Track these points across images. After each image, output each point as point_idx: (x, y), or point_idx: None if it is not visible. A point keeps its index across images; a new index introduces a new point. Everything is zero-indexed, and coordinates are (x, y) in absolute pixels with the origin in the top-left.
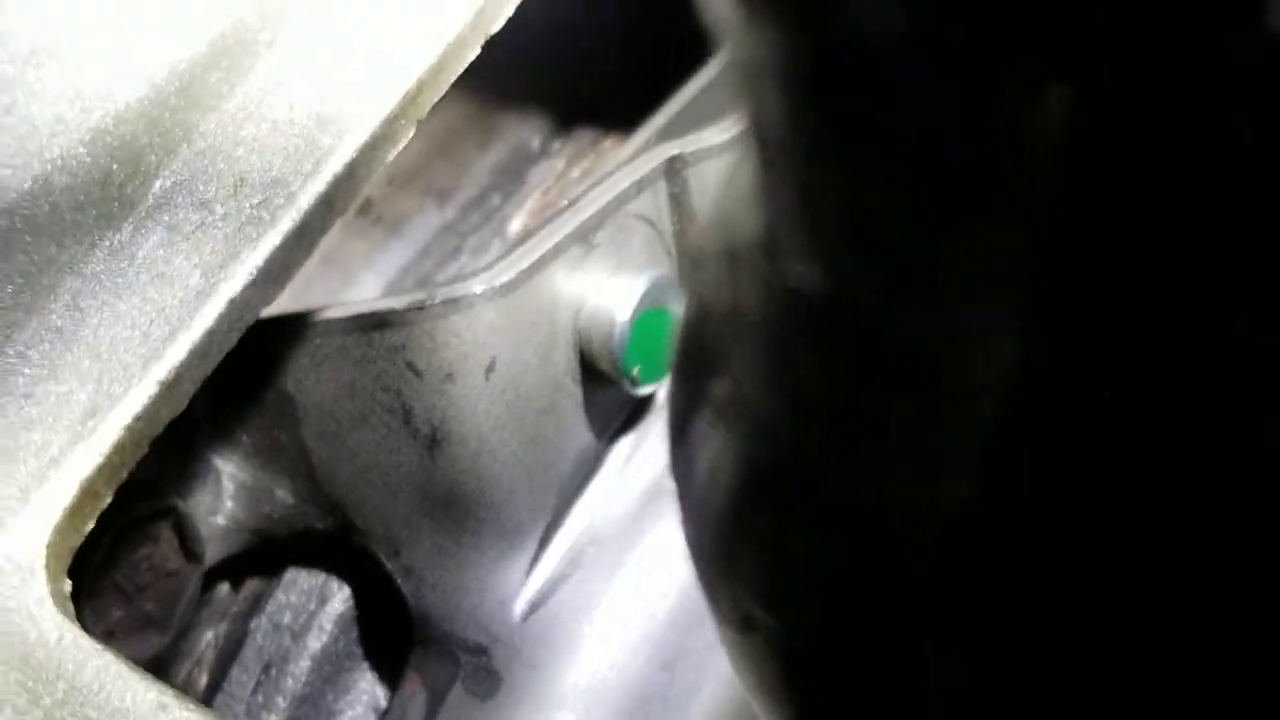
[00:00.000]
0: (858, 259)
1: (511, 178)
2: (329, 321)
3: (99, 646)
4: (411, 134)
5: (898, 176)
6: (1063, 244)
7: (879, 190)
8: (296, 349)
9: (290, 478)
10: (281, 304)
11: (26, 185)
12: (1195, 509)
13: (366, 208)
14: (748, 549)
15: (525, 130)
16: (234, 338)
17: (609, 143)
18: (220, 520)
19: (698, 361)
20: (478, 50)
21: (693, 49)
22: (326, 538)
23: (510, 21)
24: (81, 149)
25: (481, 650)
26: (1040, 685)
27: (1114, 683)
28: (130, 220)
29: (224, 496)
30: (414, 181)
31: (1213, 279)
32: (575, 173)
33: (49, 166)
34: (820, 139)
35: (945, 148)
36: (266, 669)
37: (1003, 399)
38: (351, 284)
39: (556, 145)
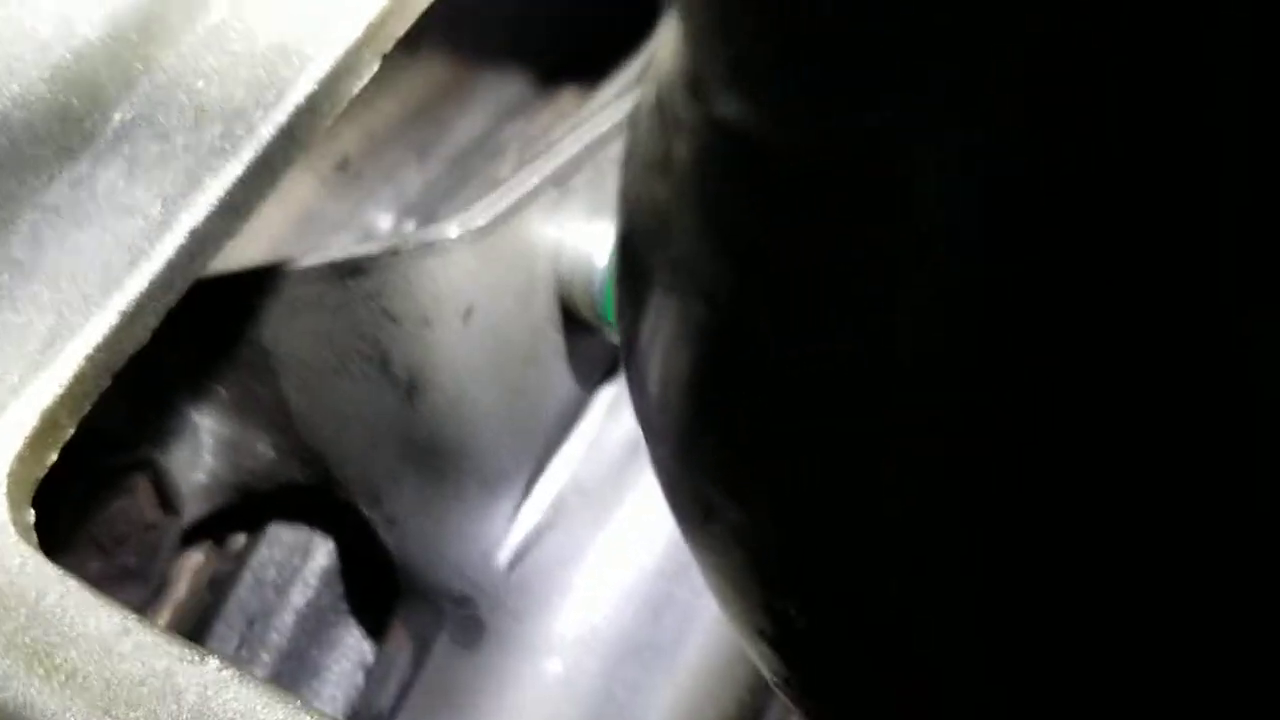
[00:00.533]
0: (778, 74)
1: (493, 135)
2: (303, 271)
3: (61, 572)
4: (376, 67)
5: None
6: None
7: None
8: (272, 300)
9: (270, 431)
10: (260, 257)
11: None
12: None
13: (344, 164)
14: (701, 429)
15: (506, 88)
16: (197, 270)
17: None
18: (200, 476)
19: (639, 236)
20: None
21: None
22: (308, 491)
23: None
24: (40, 85)
25: (466, 600)
26: (1003, 553)
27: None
28: (89, 153)
29: (203, 452)
30: (394, 139)
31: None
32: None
33: (7, 104)
34: None
35: None
36: (250, 624)
37: (955, 217)
38: (331, 242)
39: (538, 103)
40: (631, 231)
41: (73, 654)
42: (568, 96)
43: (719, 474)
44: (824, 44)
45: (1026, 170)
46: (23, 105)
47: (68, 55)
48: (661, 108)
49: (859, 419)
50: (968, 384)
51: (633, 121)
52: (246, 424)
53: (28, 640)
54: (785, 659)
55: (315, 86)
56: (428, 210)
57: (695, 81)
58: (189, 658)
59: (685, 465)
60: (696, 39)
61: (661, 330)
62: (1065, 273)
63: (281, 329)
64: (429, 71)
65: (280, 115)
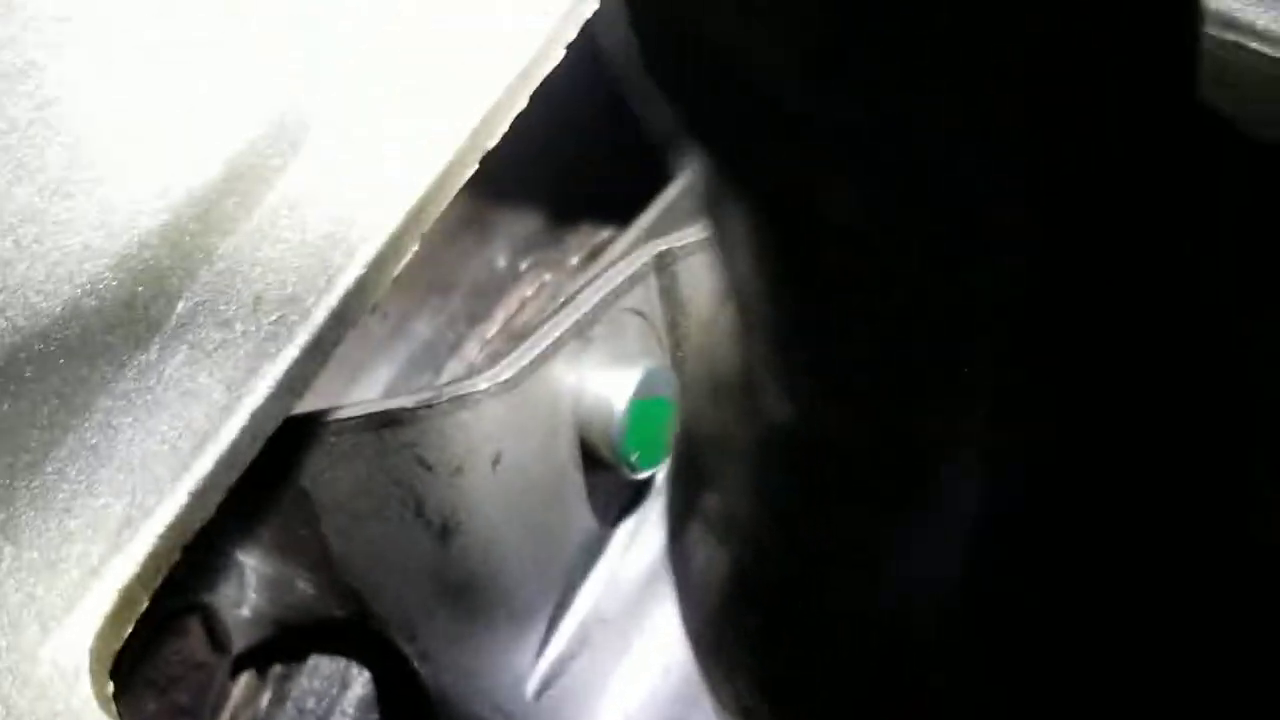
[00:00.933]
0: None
1: (510, 270)
2: (343, 421)
3: None
4: (416, 247)
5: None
6: None
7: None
8: (313, 448)
9: (310, 569)
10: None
11: (58, 310)
12: None
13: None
14: (742, 647)
15: (521, 225)
16: (257, 447)
17: (603, 235)
18: (245, 612)
19: (688, 477)
20: (475, 166)
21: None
22: (346, 625)
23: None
24: (108, 274)
25: None
26: None
27: None
28: (157, 340)
29: (248, 589)
30: (416, 278)
31: None
32: (573, 260)
33: (78, 291)
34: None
35: None
36: None
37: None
38: (361, 378)
39: (553, 240)
40: (682, 478)
41: None
42: (581, 234)
43: (756, 685)
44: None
45: None
46: (93, 294)
47: (134, 245)
48: (716, 392)
49: (893, 660)
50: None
51: (686, 391)
52: (288, 563)
53: None
54: None
55: (363, 270)
56: (450, 343)
57: (750, 383)
58: None
59: (725, 673)
60: (756, 357)
61: (706, 562)
62: None
63: (321, 475)
64: (447, 212)
65: (331, 300)
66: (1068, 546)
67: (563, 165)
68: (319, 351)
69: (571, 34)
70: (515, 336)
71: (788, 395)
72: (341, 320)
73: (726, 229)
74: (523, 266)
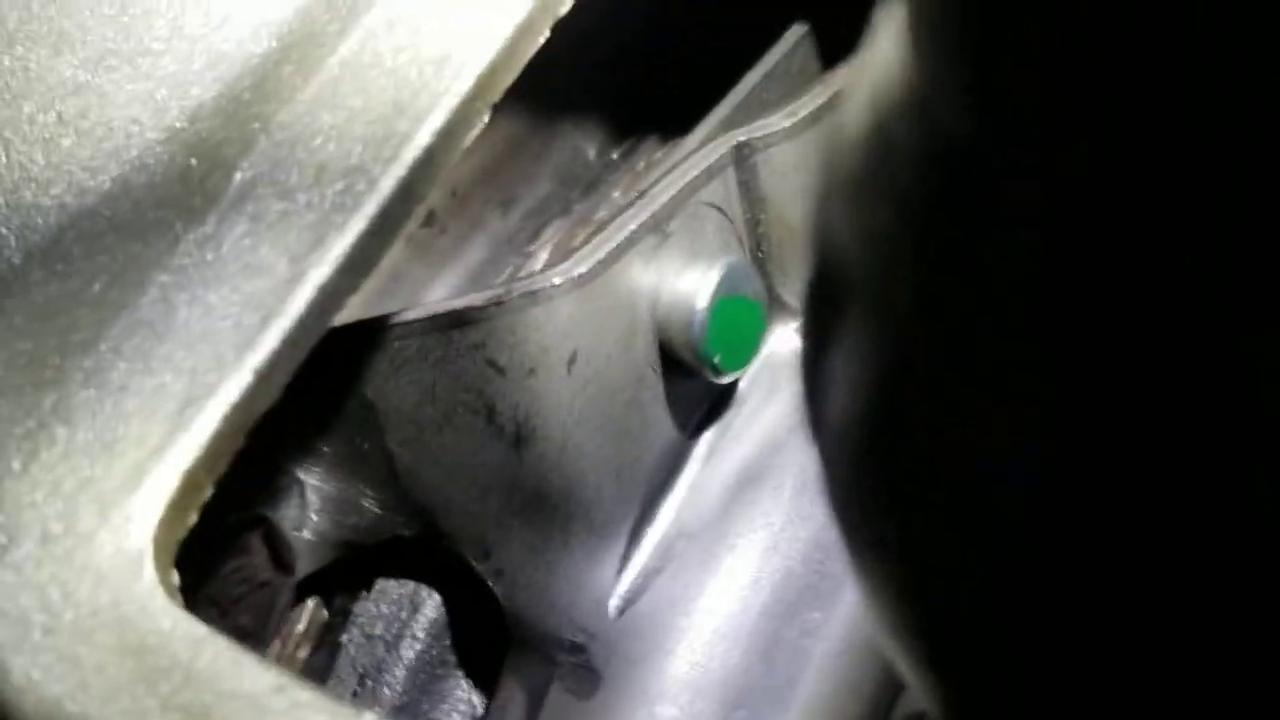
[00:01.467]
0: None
1: (573, 184)
2: (406, 324)
3: (212, 632)
4: (487, 118)
5: None
6: None
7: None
8: (374, 355)
9: (375, 487)
10: (348, 317)
11: (107, 187)
12: None
13: (429, 219)
14: (882, 456)
15: (585, 135)
16: (325, 324)
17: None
18: (307, 534)
19: (844, 265)
20: (547, 33)
21: (750, 51)
22: (415, 545)
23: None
24: (159, 148)
25: (579, 649)
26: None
27: None
28: (214, 213)
29: (309, 510)
30: (478, 193)
31: None
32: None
33: (127, 167)
34: None
35: None
36: (362, 680)
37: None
38: (421, 298)
39: (617, 154)
40: (834, 260)
41: (229, 713)
42: (648, 144)
43: (896, 507)
44: (1089, 63)
45: None
46: (142, 169)
47: (184, 118)
48: (881, 132)
49: (1056, 462)
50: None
51: (834, 149)
52: (352, 480)
53: (183, 701)
54: (943, 683)
55: (432, 139)
56: (513, 260)
57: (926, 104)
58: (344, 714)
59: (860, 494)
60: (937, 61)
61: (857, 359)
62: None
63: (385, 384)
64: (509, 124)
65: (399, 169)
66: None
67: (629, 75)
68: (387, 224)
69: None
70: (591, 234)
71: (986, 111)
72: (410, 192)
73: None
74: (601, 167)
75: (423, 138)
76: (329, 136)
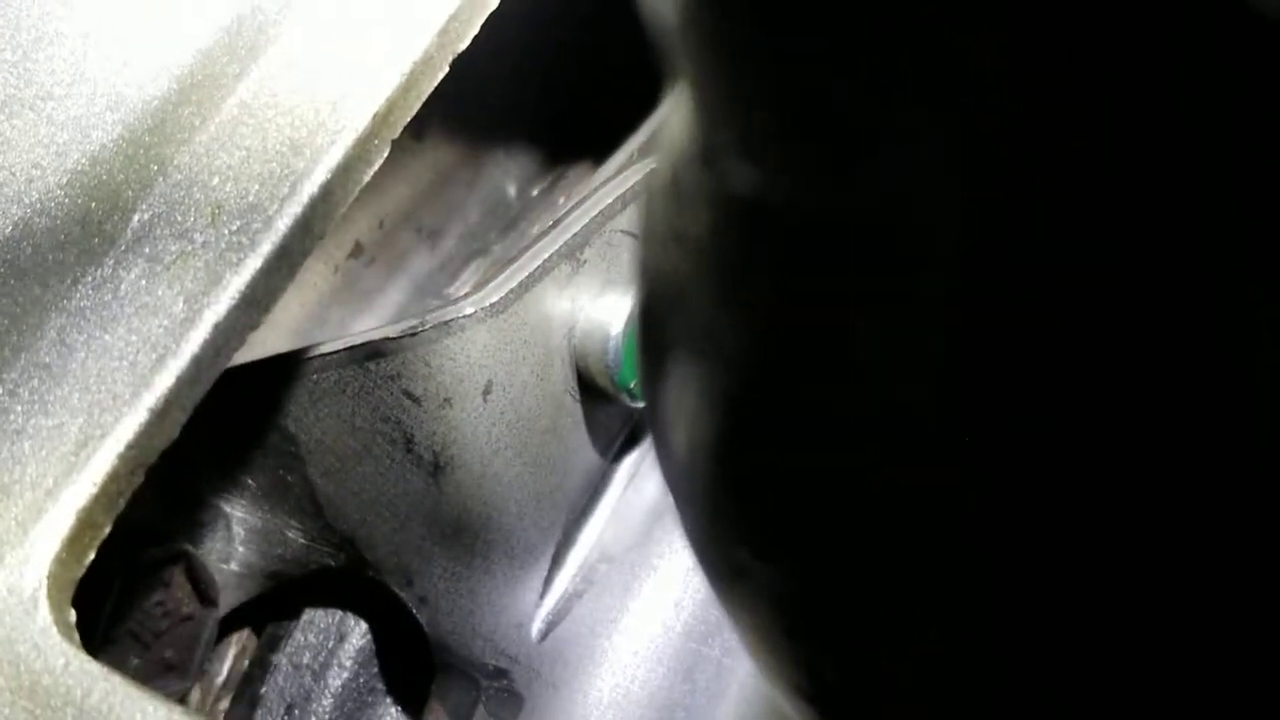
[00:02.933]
0: (795, 144)
1: (502, 214)
2: (324, 356)
3: (106, 670)
4: (385, 154)
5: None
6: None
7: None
8: (294, 387)
9: (299, 517)
10: (280, 347)
11: (7, 231)
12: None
13: (357, 250)
14: (728, 492)
15: (514, 167)
16: (223, 362)
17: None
18: (233, 566)
19: (660, 307)
20: (446, 69)
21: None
22: (340, 574)
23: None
24: (59, 191)
25: (502, 673)
26: (1030, 618)
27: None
28: (111, 255)
29: (235, 542)
30: (405, 223)
31: None
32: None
33: (28, 211)
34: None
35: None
36: (289, 710)
37: (966, 274)
38: (349, 328)
39: (538, 189)
40: (652, 303)
41: None
42: (577, 171)
43: (748, 535)
44: (835, 113)
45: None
46: (43, 212)
47: (84, 160)
48: (676, 182)
49: (886, 475)
50: (990, 429)
51: (648, 196)
52: (276, 511)
53: None
54: (821, 712)
55: (329, 176)
56: (440, 291)
57: (708, 154)
58: None
59: (714, 528)
60: (709, 114)
61: (686, 397)
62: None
63: (305, 416)
64: (436, 154)
65: (295, 207)
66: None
67: (552, 103)
68: (285, 262)
69: None
70: (508, 264)
71: (754, 160)
72: (307, 229)
73: None
74: (525, 201)
75: (319, 175)
76: (226, 176)
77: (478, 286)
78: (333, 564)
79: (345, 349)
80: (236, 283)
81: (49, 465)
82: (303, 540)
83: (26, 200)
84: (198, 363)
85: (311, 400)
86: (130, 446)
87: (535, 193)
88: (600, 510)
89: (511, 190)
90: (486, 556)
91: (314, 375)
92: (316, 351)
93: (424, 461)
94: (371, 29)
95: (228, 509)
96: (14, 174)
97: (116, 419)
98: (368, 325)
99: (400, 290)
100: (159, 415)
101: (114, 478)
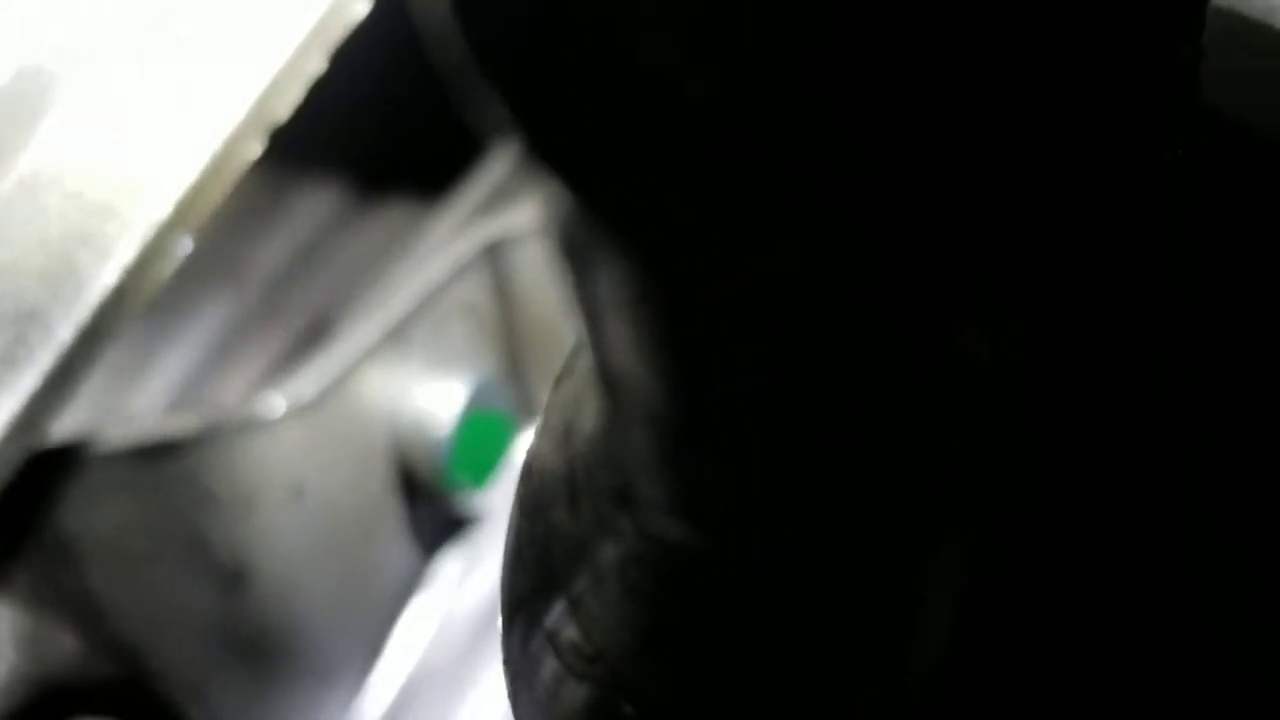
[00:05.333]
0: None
1: (313, 253)
2: (108, 455)
3: None
4: (189, 248)
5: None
6: None
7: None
8: (72, 480)
9: (76, 621)
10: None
11: None
12: None
13: None
14: None
15: (326, 203)
16: None
17: (421, 214)
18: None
19: (533, 577)
20: (259, 145)
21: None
22: (121, 685)
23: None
24: None
25: None
26: None
27: None
28: None
29: (4, 645)
30: (200, 265)
31: None
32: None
33: None
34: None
35: None
36: None
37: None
38: (139, 383)
39: (361, 219)
40: (531, 594)
41: None
42: (390, 212)
43: None
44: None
45: None
46: None
47: None
48: (577, 497)
49: None
50: None
51: (530, 482)
52: (49, 615)
53: None
54: None
55: (121, 275)
56: (240, 348)
57: (626, 495)
58: None
59: None
60: (636, 464)
61: (556, 685)
62: None
63: (84, 514)
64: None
65: (81, 312)
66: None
67: (365, 141)
68: (67, 376)
69: None
70: (318, 333)
71: (681, 509)
72: (94, 337)
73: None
74: (326, 251)
75: (110, 273)
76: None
77: (286, 365)
78: (112, 674)
79: (134, 446)
80: (8, 405)
81: None
82: (79, 646)
83: None
84: None
85: (92, 495)
86: None
87: (349, 235)
88: (425, 618)
89: (324, 228)
90: (289, 673)
91: (97, 469)
92: (102, 443)
93: (222, 569)
94: (179, 89)
95: None
96: None
97: None
98: (157, 378)
99: (200, 340)
100: None
101: None
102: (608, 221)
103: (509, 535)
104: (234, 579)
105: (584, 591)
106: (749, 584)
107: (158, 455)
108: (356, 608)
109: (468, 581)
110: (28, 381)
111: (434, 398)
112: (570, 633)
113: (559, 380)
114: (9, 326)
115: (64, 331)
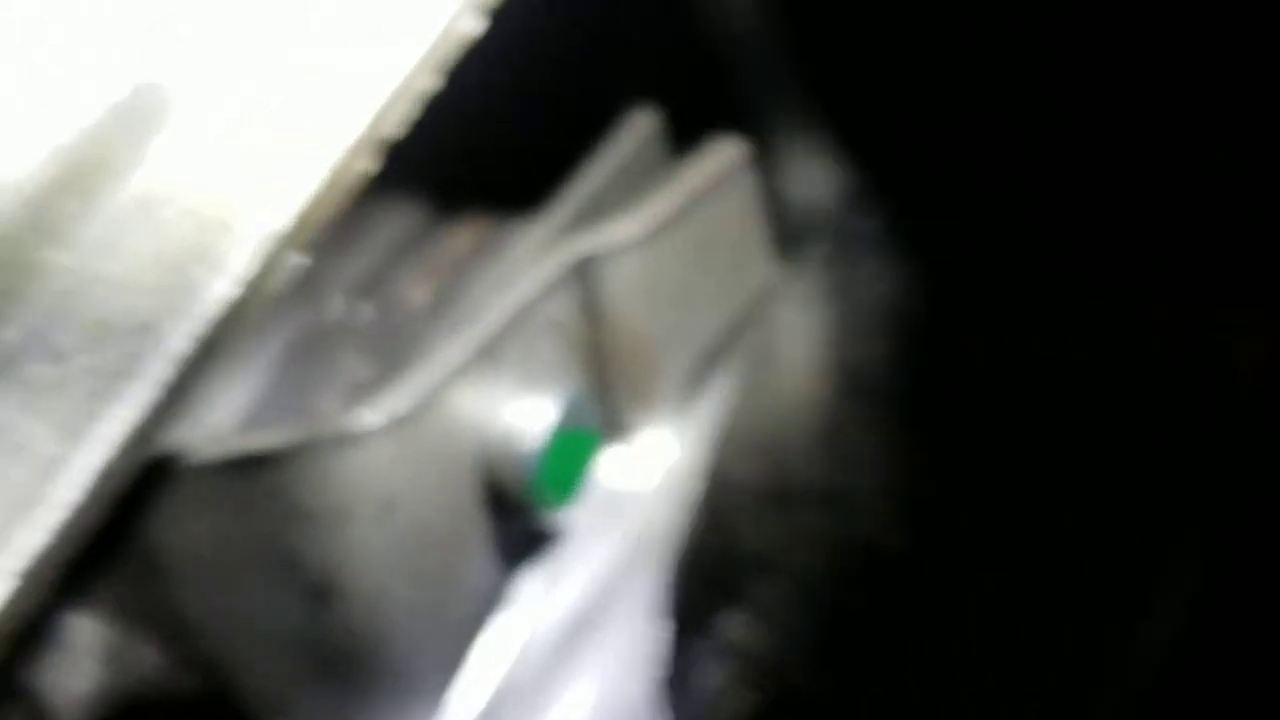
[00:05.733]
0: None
1: (396, 265)
2: (200, 467)
3: None
4: (299, 260)
5: None
6: None
7: None
8: (163, 494)
9: (161, 635)
10: None
11: None
12: None
13: None
14: None
15: (408, 216)
16: (97, 511)
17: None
18: (83, 684)
19: (710, 588)
20: (376, 158)
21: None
22: (204, 700)
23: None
24: None
25: None
26: None
27: None
28: None
29: (88, 658)
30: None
31: None
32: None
33: None
34: None
35: None
36: None
37: None
38: (224, 394)
39: (444, 232)
40: (706, 604)
41: None
42: (471, 228)
43: None
44: None
45: None
46: None
47: None
48: (775, 506)
49: None
50: None
51: (712, 495)
52: (136, 629)
53: None
54: None
55: (235, 288)
56: (326, 350)
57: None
58: None
59: None
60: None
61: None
62: None
63: (173, 527)
64: None
65: (194, 325)
66: None
67: (446, 153)
68: (179, 390)
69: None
70: (407, 345)
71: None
72: (207, 351)
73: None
74: (410, 262)
75: (224, 286)
76: (114, 286)
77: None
78: (196, 689)
79: (223, 458)
80: (120, 416)
81: None
82: (165, 661)
83: None
84: (73, 514)
85: (182, 509)
86: None
87: (432, 247)
88: (508, 636)
89: (407, 239)
90: (371, 689)
91: (187, 483)
92: (193, 458)
93: (310, 584)
94: (294, 107)
95: (81, 621)
96: None
97: None
98: (240, 397)
99: (276, 351)
100: (28, 579)
101: None
102: None
103: (680, 547)
104: (321, 594)
105: (773, 603)
106: (959, 597)
107: (249, 469)
108: (440, 624)
109: (550, 599)
110: (142, 394)
111: (523, 414)
112: (751, 642)
113: (746, 395)
114: (124, 340)
115: (178, 344)
